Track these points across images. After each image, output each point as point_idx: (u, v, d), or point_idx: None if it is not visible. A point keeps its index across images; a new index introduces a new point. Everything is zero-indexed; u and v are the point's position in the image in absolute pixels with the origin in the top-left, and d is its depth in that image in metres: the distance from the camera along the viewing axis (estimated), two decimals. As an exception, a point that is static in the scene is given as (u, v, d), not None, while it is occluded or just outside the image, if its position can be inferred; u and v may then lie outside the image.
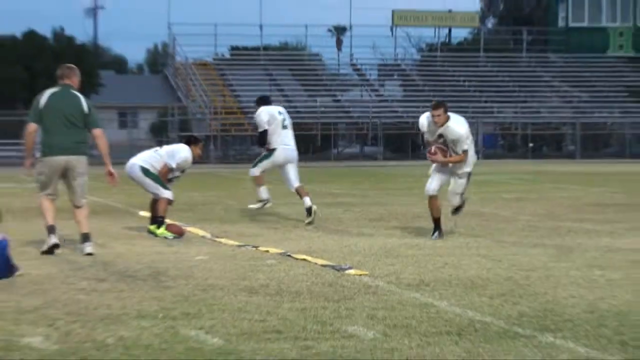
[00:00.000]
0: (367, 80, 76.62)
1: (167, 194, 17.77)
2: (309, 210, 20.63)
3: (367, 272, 13.21)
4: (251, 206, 22.36)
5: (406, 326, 9.73)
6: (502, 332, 9.49)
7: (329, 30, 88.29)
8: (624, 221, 20.44)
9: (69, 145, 14.69)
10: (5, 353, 8.53)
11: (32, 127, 15.07)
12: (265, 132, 22.22)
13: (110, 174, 15.28)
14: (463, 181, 16.92)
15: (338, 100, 72.89)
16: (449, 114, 16.84)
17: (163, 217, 17.59)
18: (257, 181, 22.32)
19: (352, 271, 13.31)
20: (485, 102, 70.85)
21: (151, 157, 18.64)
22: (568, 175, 41.80)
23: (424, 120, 17.27)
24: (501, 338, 9.23)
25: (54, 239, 14.64)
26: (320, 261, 14.08)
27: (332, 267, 13.68)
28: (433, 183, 16.94)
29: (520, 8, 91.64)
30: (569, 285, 12.24)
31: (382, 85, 75.38)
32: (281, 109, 23.05)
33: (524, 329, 9.61)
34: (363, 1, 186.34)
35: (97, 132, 15.03)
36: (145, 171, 18.06)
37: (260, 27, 75.43)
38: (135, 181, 18.50)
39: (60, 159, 14.71)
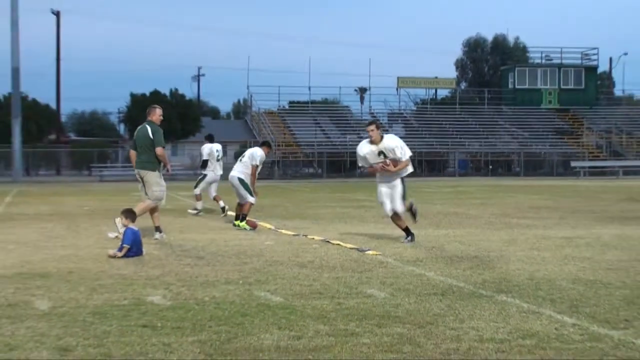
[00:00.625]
0: (381, 123, 76.35)
1: (252, 199, 17.81)
2: (223, 209, 21.77)
3: (380, 253, 13.22)
4: (190, 211, 23.03)
5: (406, 289, 9.78)
6: (471, 293, 9.53)
7: (355, 90, 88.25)
8: (552, 218, 20.37)
9: (138, 162, 15.17)
10: (137, 306, 8.59)
11: (131, 153, 15.87)
12: (206, 161, 23.51)
13: (167, 169, 15.76)
14: (399, 187, 14.96)
15: (361, 137, 72.52)
16: (383, 134, 15.44)
17: (246, 215, 17.60)
18: (197, 198, 23.17)
19: (370, 252, 13.32)
20: (460, 138, 70.52)
21: (242, 166, 18.50)
22: (515, 188, 41.51)
23: (361, 145, 15.47)
24: (471, 297, 9.29)
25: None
26: (348, 245, 14.09)
27: (357, 249, 13.69)
28: (387, 205, 14.96)
29: (483, 75, 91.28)
30: (516, 261, 12.23)
31: (391, 127, 74.93)
32: (219, 146, 23.62)
33: (486, 291, 9.66)
34: (379, 69, 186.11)
35: (157, 150, 15.06)
36: (241, 181, 18.01)
37: (309, 88, 75.42)
38: (233, 187, 18.36)
39: (136, 170, 15.27)
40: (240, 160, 19.00)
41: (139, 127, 15.53)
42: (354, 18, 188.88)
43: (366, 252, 13.39)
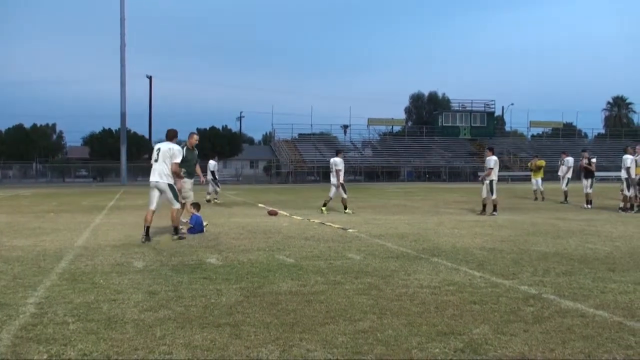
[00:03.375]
0: (357, 148, 76.26)
1: (331, 194, 18.85)
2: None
3: (357, 230, 13.15)
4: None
5: (374, 254, 9.73)
6: (415, 257, 9.47)
7: (341, 126, 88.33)
8: (466, 208, 20.28)
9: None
10: (200, 265, 8.54)
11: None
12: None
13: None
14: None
15: (345, 157, 72.67)
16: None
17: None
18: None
19: (350, 230, 13.25)
20: (408, 157, 70.67)
21: (331, 176, 19.17)
22: (443, 189, 41.38)
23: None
24: (415, 259, 9.22)
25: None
26: (336, 225, 14.04)
27: (342, 228, 13.62)
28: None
29: (422, 117, 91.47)
30: (444, 236, 12.17)
31: (363, 150, 75.04)
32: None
33: (425, 255, 9.59)
34: (358, 112, 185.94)
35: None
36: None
37: (311, 125, 76.74)
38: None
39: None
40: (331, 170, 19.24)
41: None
42: (339, 79, 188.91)
43: (348, 230, 13.33)
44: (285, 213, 18.25)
